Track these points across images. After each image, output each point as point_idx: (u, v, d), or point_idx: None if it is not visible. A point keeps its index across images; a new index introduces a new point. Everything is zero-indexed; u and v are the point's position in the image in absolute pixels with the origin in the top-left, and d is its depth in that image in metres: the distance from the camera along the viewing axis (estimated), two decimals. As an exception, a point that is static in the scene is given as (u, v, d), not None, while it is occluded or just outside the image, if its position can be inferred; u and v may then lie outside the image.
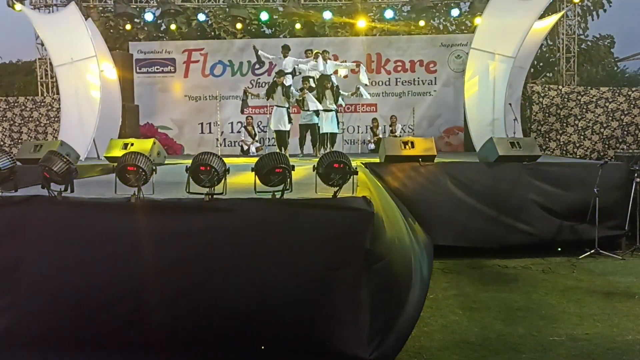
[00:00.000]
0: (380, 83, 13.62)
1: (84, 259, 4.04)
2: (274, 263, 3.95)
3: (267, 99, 10.56)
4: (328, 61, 10.76)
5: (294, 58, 10.95)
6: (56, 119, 13.04)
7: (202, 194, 4.08)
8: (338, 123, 10.77)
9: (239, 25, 14.66)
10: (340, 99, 10.78)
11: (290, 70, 10.66)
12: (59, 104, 12.07)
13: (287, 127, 10.40)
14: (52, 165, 4.16)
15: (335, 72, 11.08)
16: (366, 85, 11.49)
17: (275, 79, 10.24)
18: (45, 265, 4.09)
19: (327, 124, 10.68)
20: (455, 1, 13.93)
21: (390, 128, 13.10)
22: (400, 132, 13.14)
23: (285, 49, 10.92)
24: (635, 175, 7.61)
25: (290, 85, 10.44)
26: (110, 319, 3.98)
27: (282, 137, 10.40)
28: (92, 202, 4.23)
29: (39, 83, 13.97)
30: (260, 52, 11.10)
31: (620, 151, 9.88)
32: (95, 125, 10.71)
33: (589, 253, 7.34)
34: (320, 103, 10.49)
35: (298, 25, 14.46)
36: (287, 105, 10.31)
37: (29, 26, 12.16)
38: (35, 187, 4.56)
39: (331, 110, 10.57)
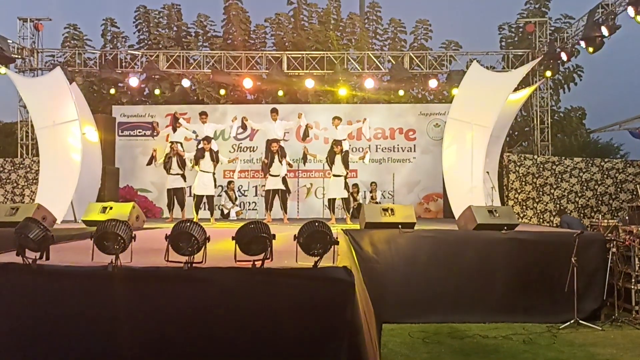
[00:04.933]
0: (361, 149, 13.82)
1: (58, 330, 3.92)
2: (253, 333, 3.88)
3: (194, 166, 10.75)
4: (339, 127, 10.88)
5: (213, 123, 11.42)
6: (34, 181, 12.92)
7: (181, 262, 4.03)
8: (346, 187, 10.82)
9: (222, 92, 14.98)
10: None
11: (212, 135, 11.05)
12: (38, 166, 12.00)
13: (213, 192, 10.75)
14: (28, 232, 4.10)
15: (349, 137, 11.30)
16: (369, 139, 12.63)
17: (202, 145, 10.48)
18: (18, 336, 3.96)
19: (334, 190, 10.76)
20: (433, 72, 14.42)
21: (371, 194, 13.24)
22: (381, 198, 13.27)
23: (204, 115, 11.18)
24: (611, 245, 7.72)
25: (217, 151, 10.79)
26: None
27: (207, 201, 10.75)
28: (68, 271, 4.14)
29: (19, 145, 13.95)
30: (181, 120, 11.47)
31: (595, 221, 10.04)
32: (74, 188, 10.62)
33: (568, 323, 7.31)
34: (331, 169, 10.69)
35: (281, 93, 14.78)
36: (212, 171, 10.58)
37: (12, 88, 12.25)
38: (10, 254, 4.46)
39: (339, 176, 10.65)
